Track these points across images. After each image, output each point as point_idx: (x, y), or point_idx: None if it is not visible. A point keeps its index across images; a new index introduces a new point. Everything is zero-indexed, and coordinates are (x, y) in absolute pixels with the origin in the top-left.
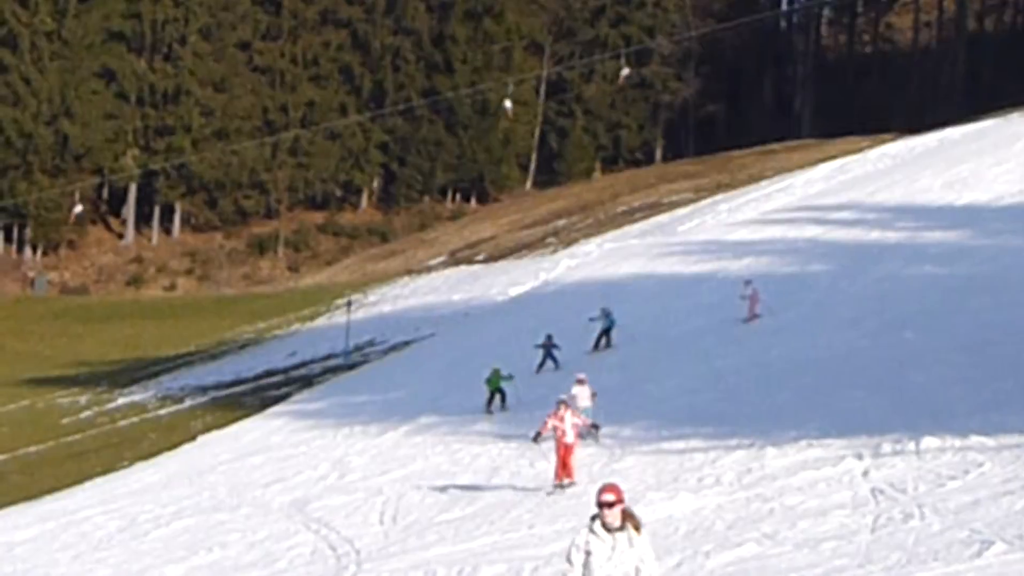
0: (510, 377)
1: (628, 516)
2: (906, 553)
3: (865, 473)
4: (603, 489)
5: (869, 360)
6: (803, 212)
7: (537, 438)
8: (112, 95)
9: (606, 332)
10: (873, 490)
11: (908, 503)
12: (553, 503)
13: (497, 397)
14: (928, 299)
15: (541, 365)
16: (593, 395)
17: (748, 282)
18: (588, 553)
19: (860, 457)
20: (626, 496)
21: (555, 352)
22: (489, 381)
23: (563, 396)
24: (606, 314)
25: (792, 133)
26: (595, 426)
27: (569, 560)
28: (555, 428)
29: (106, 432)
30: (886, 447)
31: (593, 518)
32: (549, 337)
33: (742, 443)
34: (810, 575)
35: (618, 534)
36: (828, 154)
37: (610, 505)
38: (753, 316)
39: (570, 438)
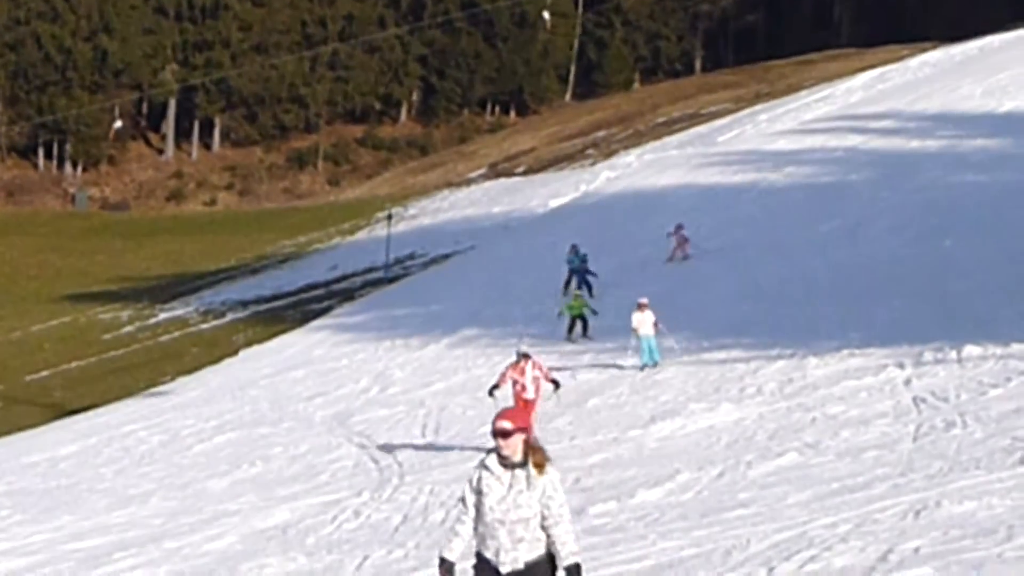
0: (594, 312)
1: (532, 449)
2: (948, 461)
3: (907, 382)
4: (499, 415)
5: (910, 269)
6: (843, 121)
7: (493, 392)
8: (151, 10)
9: (576, 272)
10: (915, 399)
11: (950, 411)
12: (595, 412)
13: (578, 324)
14: (969, 207)
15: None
16: (656, 324)
17: (679, 226)
18: (480, 493)
19: (902, 366)
20: (534, 424)
21: (590, 278)
22: (570, 307)
23: (523, 347)
24: (576, 253)
25: (831, 42)
26: (555, 383)
27: (462, 502)
28: (514, 382)
29: (148, 347)
30: (928, 356)
31: (490, 451)
32: (584, 261)
33: (783, 353)
34: (852, 484)
35: (517, 471)
36: (868, 63)
37: (506, 435)
38: (684, 256)
39: (530, 394)
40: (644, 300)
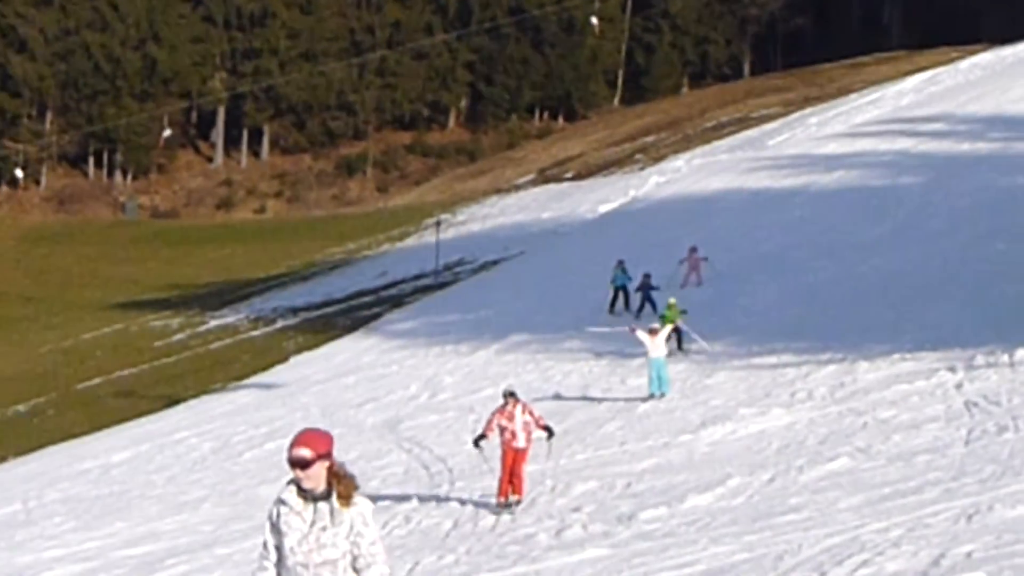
0: (684, 312)
1: (336, 477)
2: (1000, 465)
3: (959, 386)
4: (295, 441)
5: (962, 272)
6: (893, 124)
7: (479, 442)
8: (199, 18)
9: (623, 289)
10: (967, 403)
11: (1002, 415)
12: (645, 418)
13: (672, 337)
14: (1021, 210)
15: (640, 309)
16: (674, 331)
17: (693, 249)
18: (280, 533)
19: (953, 370)
20: (336, 446)
21: (652, 294)
22: (664, 318)
23: (510, 387)
24: (623, 270)
25: (881, 45)
26: (548, 430)
27: (263, 546)
28: (502, 429)
29: (199, 354)
30: (979, 359)
31: (289, 482)
32: (647, 276)
33: (834, 357)
34: (904, 488)
35: (320, 504)
36: (918, 65)
37: (305, 464)
38: (699, 282)
39: (521, 442)
40: (655, 325)
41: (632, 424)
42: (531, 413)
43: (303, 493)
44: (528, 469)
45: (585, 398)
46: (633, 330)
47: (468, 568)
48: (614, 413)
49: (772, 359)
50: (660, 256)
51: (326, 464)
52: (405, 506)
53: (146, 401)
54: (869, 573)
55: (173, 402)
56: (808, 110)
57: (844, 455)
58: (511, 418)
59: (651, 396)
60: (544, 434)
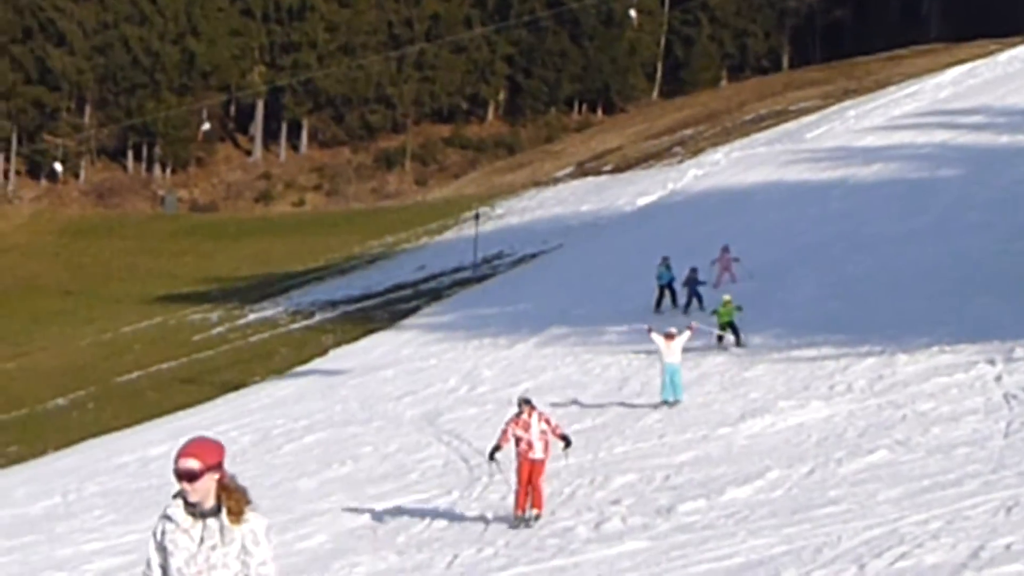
0: (740, 308)
1: (225, 491)
2: None
3: (998, 378)
4: (181, 451)
5: (1000, 265)
6: (932, 117)
7: (494, 454)
8: (237, 12)
9: (668, 286)
10: (1006, 395)
11: None
12: (684, 410)
13: (728, 332)
14: None
15: (688, 304)
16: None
17: (725, 248)
18: (166, 551)
19: (992, 362)
20: (227, 455)
21: (699, 288)
22: (719, 314)
23: (526, 394)
24: (667, 266)
25: (920, 38)
26: (565, 439)
27: (147, 565)
28: (517, 439)
29: (237, 348)
30: (1019, 352)
31: (175, 496)
32: (694, 270)
33: (873, 350)
34: (943, 481)
35: (210, 521)
36: (957, 58)
37: (192, 477)
38: (732, 280)
39: (538, 453)
40: (673, 330)
41: (671, 417)
42: (547, 421)
43: (191, 509)
44: (567, 463)
45: (599, 405)
46: (650, 330)
47: (507, 561)
48: (653, 406)
49: (811, 352)
50: (699, 249)
51: (215, 477)
52: (444, 499)
53: (185, 394)
54: (908, 565)
55: (212, 395)
56: (847, 103)
57: (883, 448)
58: (527, 427)
59: (664, 403)
60: (561, 443)
